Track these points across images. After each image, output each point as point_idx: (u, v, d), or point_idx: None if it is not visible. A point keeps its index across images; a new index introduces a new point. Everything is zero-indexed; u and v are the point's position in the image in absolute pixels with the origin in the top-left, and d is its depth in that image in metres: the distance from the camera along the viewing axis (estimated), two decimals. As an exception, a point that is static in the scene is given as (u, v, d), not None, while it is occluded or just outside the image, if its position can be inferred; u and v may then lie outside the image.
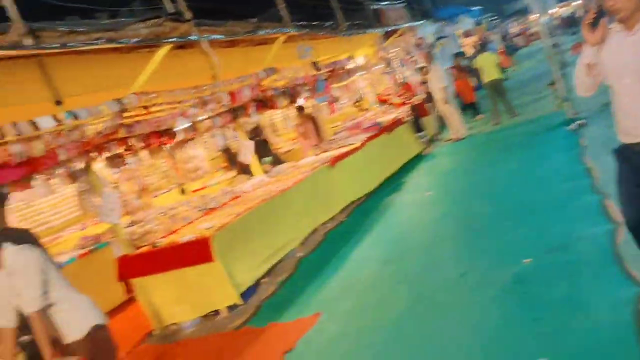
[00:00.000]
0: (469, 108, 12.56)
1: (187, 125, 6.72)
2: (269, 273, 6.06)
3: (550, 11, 12.57)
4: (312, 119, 10.31)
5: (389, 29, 14.08)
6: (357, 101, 12.97)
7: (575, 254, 4.02)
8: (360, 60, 12.02)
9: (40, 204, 8.75)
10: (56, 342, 3.21)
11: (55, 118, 4.38)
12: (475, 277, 4.34)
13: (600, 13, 2.57)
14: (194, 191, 10.04)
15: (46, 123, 4.32)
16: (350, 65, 11.12)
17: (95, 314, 3.35)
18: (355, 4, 14.01)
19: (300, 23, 9.48)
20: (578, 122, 7.92)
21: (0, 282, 3.12)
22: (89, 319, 3.32)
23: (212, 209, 6.53)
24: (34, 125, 4.20)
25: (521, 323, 3.40)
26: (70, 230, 8.80)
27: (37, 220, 8.79)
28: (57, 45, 4.19)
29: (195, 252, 5.19)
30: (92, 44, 4.54)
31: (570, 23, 30.43)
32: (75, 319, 3.29)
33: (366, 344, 3.93)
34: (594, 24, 2.56)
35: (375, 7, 14.73)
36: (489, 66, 11.05)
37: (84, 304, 3.35)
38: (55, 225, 9.02)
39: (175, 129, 6.64)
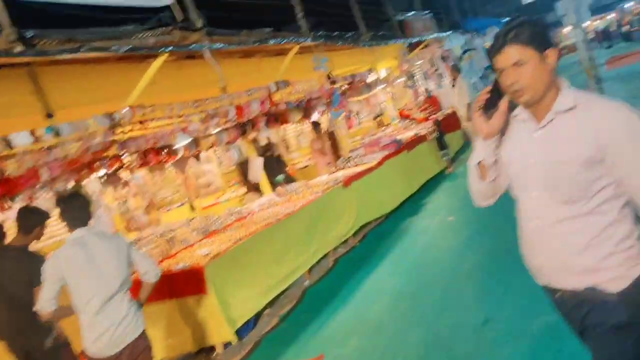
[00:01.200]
0: None
1: (188, 141, 6.28)
2: (272, 303, 5.56)
3: (583, 24, 11.80)
4: (327, 135, 9.80)
5: (414, 40, 13.55)
6: (377, 116, 12.42)
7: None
8: (382, 72, 11.49)
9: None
10: None
11: (32, 134, 3.96)
12: (500, 324, 3.75)
13: (498, 92, 1.77)
14: (205, 208, 9.63)
15: (22, 140, 3.90)
16: (370, 78, 10.60)
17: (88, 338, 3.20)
18: (380, 13, 13.55)
19: (319, 33, 9.04)
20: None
21: None
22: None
23: (214, 232, 6.06)
24: (5, 141, 3.77)
25: (555, 392, 2.82)
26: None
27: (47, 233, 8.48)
28: (31, 53, 3.78)
29: (188, 283, 4.72)
30: (75, 51, 4.13)
31: (605, 37, 29.81)
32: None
33: (370, 402, 3.37)
34: (489, 108, 1.78)
35: (400, 18, 14.22)
36: None
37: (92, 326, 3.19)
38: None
39: (176, 146, 6.20)
